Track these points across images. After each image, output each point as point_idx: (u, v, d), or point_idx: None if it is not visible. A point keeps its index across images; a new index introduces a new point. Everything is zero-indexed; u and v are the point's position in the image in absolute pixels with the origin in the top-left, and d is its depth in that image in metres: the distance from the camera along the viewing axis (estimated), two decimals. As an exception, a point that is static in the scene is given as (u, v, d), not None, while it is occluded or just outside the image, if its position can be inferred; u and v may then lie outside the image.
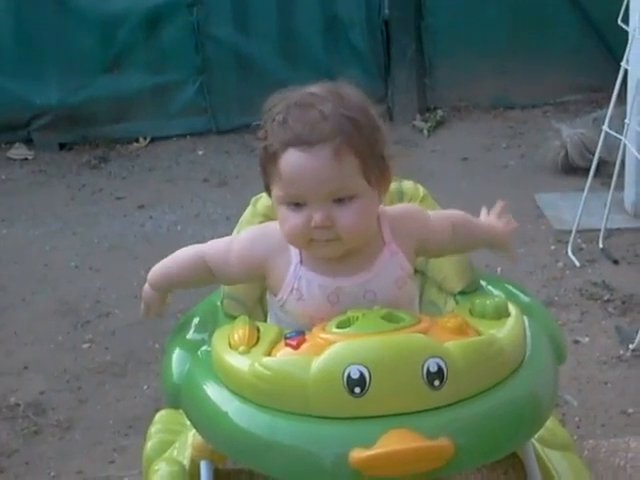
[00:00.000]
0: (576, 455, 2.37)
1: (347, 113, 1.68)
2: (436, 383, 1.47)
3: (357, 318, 1.59)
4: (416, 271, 1.99)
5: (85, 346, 3.35)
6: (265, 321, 1.89)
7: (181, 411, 1.99)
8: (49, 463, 2.74)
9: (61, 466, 2.73)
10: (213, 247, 1.88)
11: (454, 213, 1.93)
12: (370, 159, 1.70)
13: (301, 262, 1.76)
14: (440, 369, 1.47)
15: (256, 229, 1.87)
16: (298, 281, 1.75)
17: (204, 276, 1.87)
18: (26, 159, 5.27)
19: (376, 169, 1.72)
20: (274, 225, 1.81)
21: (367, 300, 1.73)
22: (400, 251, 1.78)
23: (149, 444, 2.41)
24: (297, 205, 1.69)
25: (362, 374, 1.45)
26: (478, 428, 1.49)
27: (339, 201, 1.67)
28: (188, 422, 2.31)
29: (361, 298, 1.73)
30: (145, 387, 3.06)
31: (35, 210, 4.63)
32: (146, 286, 1.93)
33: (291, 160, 1.66)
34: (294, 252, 1.77)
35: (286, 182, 1.68)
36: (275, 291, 1.80)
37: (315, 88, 1.74)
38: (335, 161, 1.65)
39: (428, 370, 1.46)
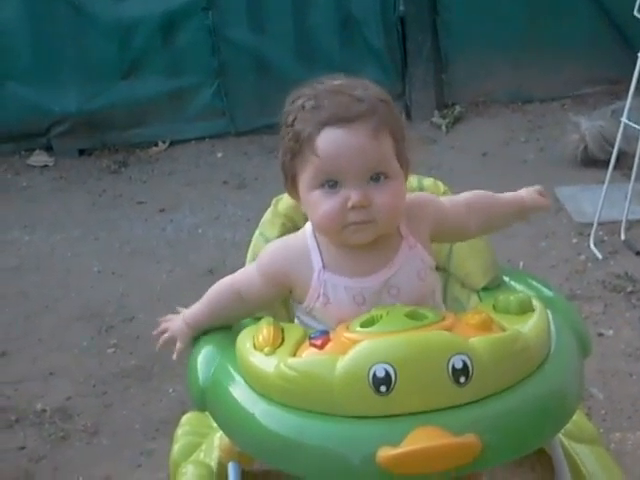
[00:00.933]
0: (604, 449, 2.36)
1: (379, 96, 1.72)
2: (462, 380, 1.46)
3: (381, 316, 1.59)
4: (438, 268, 1.99)
5: (110, 351, 3.37)
6: (290, 322, 1.89)
7: (207, 413, 1.99)
8: (77, 468, 2.76)
9: (89, 471, 2.74)
10: (239, 273, 1.89)
11: (469, 193, 1.92)
12: (400, 142, 1.73)
13: (324, 267, 1.76)
14: (465, 365, 1.46)
15: (274, 244, 1.87)
16: (324, 286, 1.75)
17: (236, 306, 1.86)
18: (46, 166, 5.30)
19: (404, 154, 1.74)
20: (292, 236, 1.84)
21: (391, 296, 1.73)
22: (418, 243, 1.78)
23: (176, 447, 2.42)
24: (332, 187, 1.68)
25: (387, 372, 1.45)
26: (504, 424, 1.49)
27: (375, 181, 1.68)
28: (215, 424, 2.33)
29: (386, 295, 1.74)
30: (170, 390, 3.07)
31: (56, 216, 4.66)
32: (177, 321, 1.93)
33: (330, 137, 1.67)
34: (316, 258, 1.77)
35: (324, 160, 1.67)
36: (301, 299, 1.79)
37: (334, 80, 1.75)
38: (374, 139, 1.67)
39: (453, 367, 1.46)
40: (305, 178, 1.72)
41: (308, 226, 1.82)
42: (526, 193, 1.95)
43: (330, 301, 1.75)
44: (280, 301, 1.99)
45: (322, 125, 1.67)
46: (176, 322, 1.92)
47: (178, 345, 1.89)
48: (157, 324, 1.96)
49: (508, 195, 1.95)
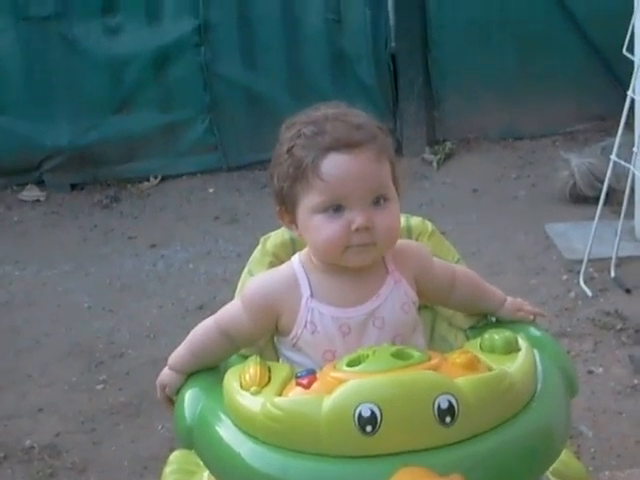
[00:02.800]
0: (592, 487, 2.36)
1: (376, 123, 1.77)
2: (447, 420, 1.46)
3: (367, 356, 1.59)
4: (426, 307, 2.00)
5: (99, 387, 3.36)
6: (277, 361, 1.89)
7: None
8: (65, 505, 2.75)
9: (77, 508, 2.73)
10: (222, 312, 1.88)
11: (463, 270, 1.94)
12: (395, 168, 1.78)
13: (312, 295, 1.77)
14: (451, 406, 1.46)
15: (258, 277, 1.87)
16: (311, 314, 1.76)
17: (222, 344, 1.84)
18: (38, 200, 5.29)
19: (398, 177, 1.79)
20: (278, 268, 1.85)
21: (376, 327, 1.75)
22: (403, 279, 1.80)
23: (164, 485, 2.41)
24: (336, 211, 1.71)
25: (373, 412, 1.44)
26: (491, 464, 1.49)
27: (376, 204, 1.71)
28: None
29: (370, 325, 1.75)
30: (159, 427, 3.06)
31: (47, 251, 4.65)
32: (165, 370, 1.89)
33: (335, 162, 1.69)
34: (304, 286, 1.78)
35: (330, 185, 1.69)
36: (288, 329, 1.79)
37: (329, 108, 1.79)
38: (377, 163, 1.72)
39: (439, 407, 1.46)
40: (307, 203, 1.73)
41: (295, 257, 1.84)
42: (509, 301, 1.94)
43: (317, 329, 1.76)
44: (267, 339, 1.99)
45: (326, 150, 1.70)
46: (164, 372, 1.90)
47: (167, 391, 1.87)
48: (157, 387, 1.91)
49: (493, 289, 1.95)
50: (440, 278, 1.87)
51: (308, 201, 1.73)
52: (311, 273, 1.80)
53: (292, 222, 1.80)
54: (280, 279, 1.81)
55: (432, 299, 1.94)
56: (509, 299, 1.94)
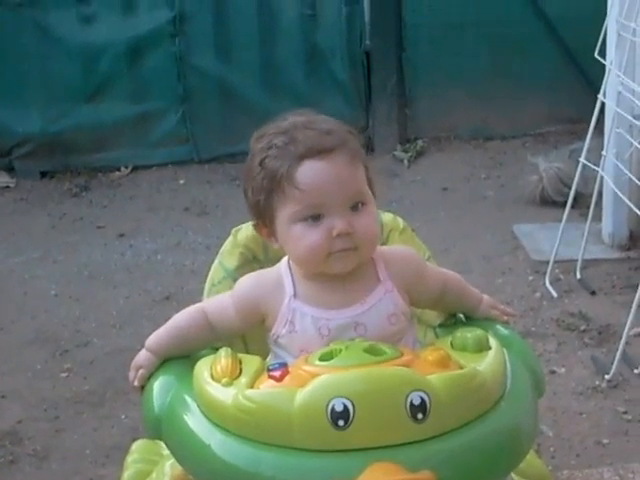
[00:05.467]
0: (553, 486, 2.38)
1: (345, 127, 1.77)
2: (419, 416, 1.47)
3: (340, 350, 1.59)
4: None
5: (63, 375, 3.34)
6: (246, 353, 1.89)
7: (158, 441, 1.98)
8: (25, 493, 2.74)
9: (37, 496, 2.72)
10: (211, 302, 1.89)
11: (450, 273, 1.94)
12: (368, 169, 1.77)
13: (295, 296, 1.77)
14: (423, 402, 1.47)
15: (248, 276, 1.87)
16: (292, 313, 1.76)
17: (205, 333, 1.84)
18: (7, 187, 5.27)
19: (371, 179, 1.78)
20: (268, 269, 1.85)
21: (358, 333, 1.73)
22: (395, 289, 1.79)
23: (126, 474, 2.40)
24: (315, 219, 1.70)
25: (346, 407, 1.45)
26: (460, 461, 1.49)
27: (354, 209, 1.71)
28: (165, 452, 2.31)
29: (352, 331, 1.74)
30: (123, 417, 3.05)
31: (15, 238, 4.63)
32: (142, 352, 1.87)
33: (310, 170, 1.69)
34: (288, 286, 1.78)
35: (307, 193, 1.68)
36: (270, 326, 1.80)
37: (297, 116, 1.78)
38: (351, 167, 1.71)
39: (411, 403, 1.46)
40: (285, 214, 1.72)
41: (284, 259, 1.83)
42: (485, 300, 1.96)
43: (295, 329, 1.76)
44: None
45: (300, 159, 1.69)
46: (140, 353, 1.88)
47: (141, 372, 1.84)
48: (131, 370, 1.87)
49: (473, 290, 1.96)
50: (432, 286, 1.87)
51: (286, 212, 1.72)
52: (297, 274, 1.79)
53: (271, 235, 1.80)
54: (267, 281, 1.81)
55: (422, 305, 1.94)
56: (484, 297, 1.96)
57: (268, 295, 1.79)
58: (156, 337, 1.86)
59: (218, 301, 1.87)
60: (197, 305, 1.89)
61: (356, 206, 1.71)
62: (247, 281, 1.85)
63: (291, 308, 1.77)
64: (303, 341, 1.75)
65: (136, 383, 1.85)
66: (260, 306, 1.80)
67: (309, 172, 1.68)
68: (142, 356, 1.86)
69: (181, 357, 1.86)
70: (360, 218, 1.71)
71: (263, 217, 1.78)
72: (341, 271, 1.74)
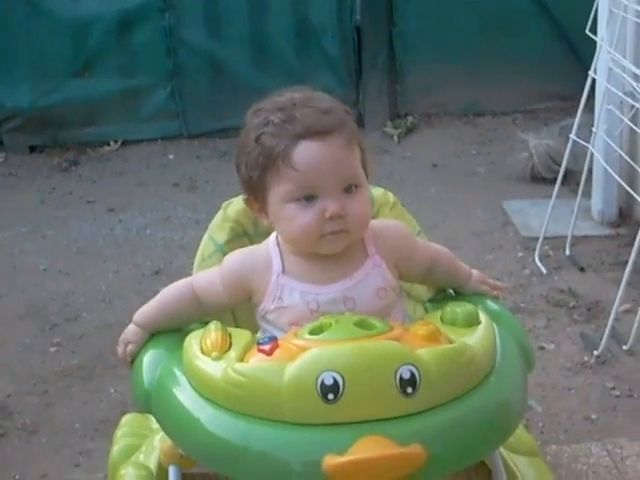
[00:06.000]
0: (542, 461, 2.39)
1: (344, 108, 1.76)
2: (409, 390, 1.47)
3: (330, 324, 1.59)
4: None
5: (52, 349, 3.35)
6: (236, 327, 1.89)
7: (147, 415, 1.98)
8: (14, 466, 2.74)
9: (26, 469, 2.72)
10: (199, 277, 1.89)
11: (440, 248, 1.94)
12: (364, 151, 1.77)
13: (283, 271, 1.77)
14: (413, 376, 1.47)
15: (237, 252, 1.87)
16: (280, 289, 1.76)
17: (192, 307, 1.84)
18: (-4, 161, 5.26)
19: (366, 162, 1.78)
20: (257, 245, 1.85)
21: (347, 308, 1.74)
22: (384, 263, 1.79)
23: (115, 448, 2.41)
24: (308, 200, 1.70)
25: (336, 380, 1.45)
26: (450, 435, 1.50)
27: (347, 191, 1.71)
28: (155, 426, 2.32)
29: (341, 306, 1.74)
30: (112, 391, 3.06)
31: (4, 213, 4.62)
32: (130, 326, 1.87)
33: (306, 151, 1.68)
34: (276, 263, 1.78)
35: (302, 174, 1.68)
36: (258, 302, 1.80)
37: (294, 92, 1.77)
38: (347, 149, 1.70)
39: (401, 377, 1.46)
40: (279, 192, 1.72)
41: (272, 235, 1.83)
42: (474, 275, 1.96)
43: (284, 304, 1.76)
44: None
45: (297, 138, 1.68)
46: (128, 328, 1.88)
47: (130, 347, 1.85)
48: (119, 344, 1.88)
49: (462, 265, 1.96)
50: (421, 260, 1.87)
51: (279, 190, 1.71)
52: (285, 251, 1.79)
53: (262, 211, 1.79)
54: (255, 257, 1.81)
55: (411, 279, 1.94)
56: (474, 272, 1.96)
57: (256, 271, 1.79)
58: (144, 311, 1.87)
59: (206, 276, 1.87)
60: (185, 280, 1.89)
61: (350, 188, 1.71)
62: (235, 257, 1.85)
63: (279, 284, 1.77)
64: (292, 316, 1.75)
65: (123, 359, 1.86)
66: (248, 282, 1.80)
67: (305, 153, 1.68)
68: (130, 330, 1.86)
69: (170, 331, 1.86)
70: (353, 201, 1.71)
71: (255, 193, 1.77)
72: (331, 252, 1.74)
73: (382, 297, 1.78)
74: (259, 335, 1.80)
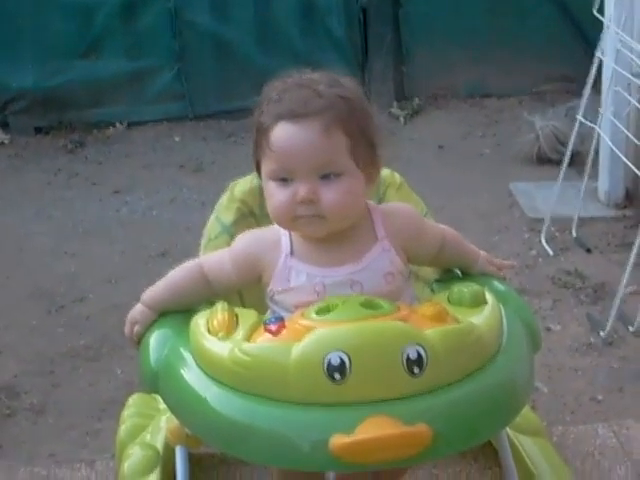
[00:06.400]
0: (548, 441, 2.40)
1: (341, 93, 1.73)
2: (415, 370, 1.47)
3: (336, 305, 1.60)
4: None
5: (59, 330, 3.35)
6: (243, 307, 1.89)
7: (154, 395, 1.98)
8: (22, 446, 2.74)
9: (34, 449, 2.73)
10: (208, 257, 1.90)
11: (448, 229, 1.95)
12: (359, 141, 1.73)
13: (291, 253, 1.79)
14: (420, 356, 1.47)
15: (247, 233, 1.88)
16: (288, 271, 1.77)
17: (201, 288, 1.85)
18: (2, 143, 5.23)
19: (365, 153, 1.75)
20: (268, 227, 1.86)
21: (354, 291, 1.74)
22: (392, 248, 1.80)
23: (122, 428, 2.43)
24: (284, 181, 1.71)
25: (342, 360, 1.45)
26: (456, 415, 1.50)
27: (325, 178, 1.70)
28: (161, 406, 2.34)
29: (348, 289, 1.75)
30: (119, 371, 3.07)
31: (10, 194, 4.62)
32: (137, 306, 1.88)
33: (281, 132, 1.70)
34: (285, 244, 1.80)
35: (275, 154, 1.70)
36: (267, 283, 1.81)
37: (315, 73, 1.78)
38: (324, 135, 1.69)
39: (408, 357, 1.47)
40: (264, 168, 1.76)
41: None
42: (482, 256, 1.97)
43: (291, 286, 1.77)
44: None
45: (278, 119, 1.70)
46: (136, 308, 1.89)
47: (137, 328, 1.86)
48: (126, 324, 1.89)
49: (471, 246, 1.97)
50: (430, 242, 1.88)
51: (265, 166, 1.76)
52: (295, 233, 1.80)
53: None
54: (265, 239, 1.82)
55: (420, 262, 1.95)
56: (482, 253, 1.96)
57: (265, 252, 1.80)
58: (152, 292, 1.87)
59: (216, 257, 1.88)
60: (194, 260, 1.89)
61: (327, 176, 1.70)
62: (245, 238, 1.86)
63: (287, 265, 1.78)
64: (298, 298, 1.75)
65: (130, 339, 1.87)
66: (257, 263, 1.81)
67: (280, 134, 1.70)
68: (137, 310, 1.87)
69: (175, 312, 1.86)
70: (329, 188, 1.70)
71: (256, 165, 1.81)
72: (312, 235, 1.76)
73: (390, 281, 1.78)
74: (267, 315, 1.80)
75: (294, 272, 1.77)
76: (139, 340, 1.85)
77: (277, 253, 1.79)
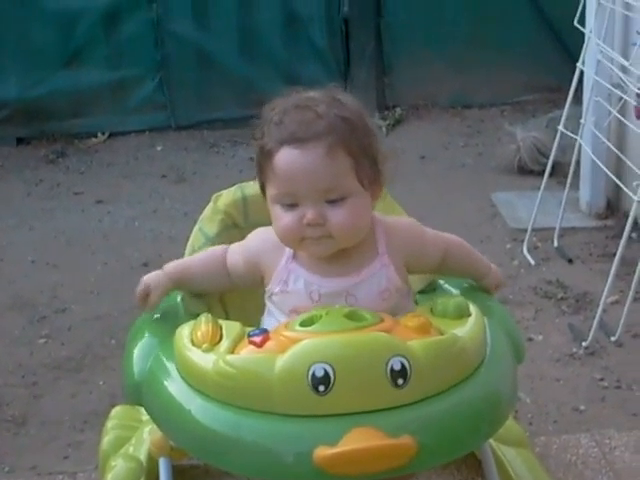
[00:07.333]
0: (531, 452, 2.40)
1: (341, 114, 1.72)
2: (399, 382, 1.48)
3: (320, 316, 1.60)
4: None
5: (41, 341, 3.33)
6: (226, 319, 1.89)
7: (137, 407, 1.98)
8: (3, 458, 2.72)
9: (15, 461, 2.70)
10: (234, 245, 1.92)
11: (452, 237, 1.96)
12: (363, 160, 1.74)
13: (293, 257, 1.80)
14: (404, 368, 1.48)
15: (260, 229, 1.90)
16: (287, 274, 1.79)
17: (219, 272, 1.89)
18: (-17, 154, 5.23)
19: (369, 171, 1.75)
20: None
21: (348, 303, 1.75)
22: (392, 264, 1.80)
23: (105, 440, 2.42)
24: (290, 205, 1.72)
25: (327, 372, 1.46)
26: (440, 426, 1.51)
27: (331, 202, 1.71)
28: (145, 418, 2.33)
29: (342, 300, 1.75)
30: (101, 382, 3.05)
31: (-8, 205, 4.60)
32: (158, 272, 1.89)
33: (285, 158, 1.70)
34: (288, 248, 1.81)
35: (280, 180, 1.71)
36: (267, 282, 1.83)
37: (313, 92, 1.78)
38: (328, 158, 1.68)
39: (392, 369, 1.47)
40: (269, 191, 1.76)
41: None
42: (494, 274, 2.01)
43: (288, 289, 1.79)
44: (216, 297, 2.01)
45: (280, 144, 1.70)
46: (154, 273, 1.89)
47: (151, 297, 1.85)
48: (139, 284, 1.88)
49: (481, 259, 2.00)
50: (432, 256, 1.89)
51: (270, 190, 1.76)
52: None
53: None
54: (271, 238, 1.81)
55: (421, 272, 1.96)
56: (493, 268, 2.00)
57: (269, 252, 1.82)
58: (175, 263, 1.91)
59: (235, 247, 1.91)
60: (223, 247, 1.93)
61: (334, 200, 1.71)
62: (255, 235, 1.89)
63: (287, 268, 1.80)
64: (294, 302, 1.77)
65: (139, 300, 1.86)
66: (261, 261, 1.84)
67: (284, 160, 1.70)
68: (154, 275, 1.88)
69: (159, 323, 1.87)
70: (336, 211, 1.71)
71: (261, 183, 1.81)
72: (320, 255, 1.76)
73: (386, 298, 1.79)
74: (263, 316, 1.81)
75: (293, 276, 1.79)
76: (146, 302, 1.85)
77: (280, 253, 1.81)
